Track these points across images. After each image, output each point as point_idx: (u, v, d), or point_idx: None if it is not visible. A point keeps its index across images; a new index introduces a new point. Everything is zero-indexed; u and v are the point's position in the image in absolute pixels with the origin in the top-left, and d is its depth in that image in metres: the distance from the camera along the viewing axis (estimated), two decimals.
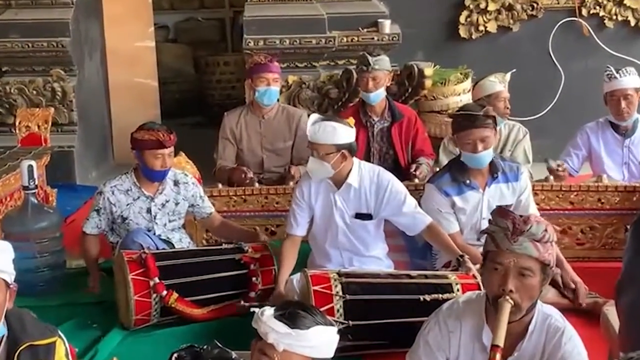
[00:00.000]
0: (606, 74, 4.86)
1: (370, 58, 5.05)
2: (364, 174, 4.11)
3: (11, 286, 2.50)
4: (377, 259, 4.21)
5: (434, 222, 4.09)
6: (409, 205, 4.08)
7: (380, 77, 5.03)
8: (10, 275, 2.50)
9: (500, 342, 2.40)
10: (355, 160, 4.12)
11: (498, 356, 2.38)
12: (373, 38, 6.53)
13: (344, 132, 3.95)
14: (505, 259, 2.46)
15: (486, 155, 4.10)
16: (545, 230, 2.47)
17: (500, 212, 2.54)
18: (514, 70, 5.35)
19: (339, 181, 4.08)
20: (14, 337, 2.48)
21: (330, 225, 4.14)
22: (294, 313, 2.14)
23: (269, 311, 2.13)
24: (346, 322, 3.55)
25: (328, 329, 2.17)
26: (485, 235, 2.58)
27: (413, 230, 4.12)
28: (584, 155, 5.02)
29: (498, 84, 4.95)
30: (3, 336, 2.48)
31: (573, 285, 4.03)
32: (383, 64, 5.08)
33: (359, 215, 4.12)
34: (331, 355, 2.19)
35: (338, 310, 3.57)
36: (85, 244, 4.43)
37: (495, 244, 2.49)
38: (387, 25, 6.56)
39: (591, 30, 6.91)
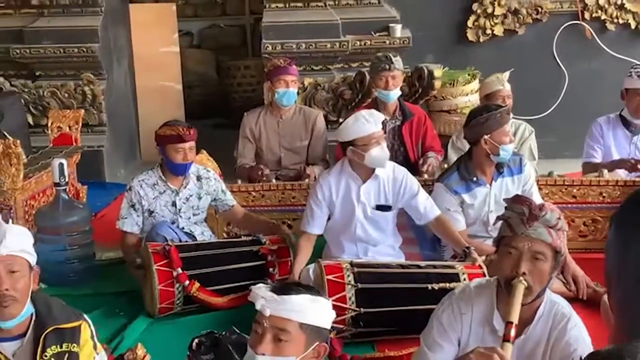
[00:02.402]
0: (634, 70, 4.78)
1: (393, 58, 5.03)
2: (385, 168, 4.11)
3: (34, 268, 2.50)
4: (390, 249, 4.21)
5: (442, 215, 4.10)
6: (421, 196, 4.11)
7: (398, 76, 5.02)
8: (32, 257, 2.50)
9: (515, 319, 2.39)
10: None
11: (513, 331, 2.37)
12: (385, 42, 6.51)
13: None
14: (520, 243, 2.46)
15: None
16: (559, 218, 2.48)
17: (517, 199, 2.55)
18: (513, 69, 5.32)
19: (367, 174, 4.08)
20: (41, 320, 2.49)
21: (349, 219, 4.13)
22: (284, 285, 2.19)
23: (262, 285, 2.16)
24: (358, 309, 3.56)
25: (315, 298, 2.16)
26: (500, 222, 2.57)
27: (424, 218, 4.12)
28: (604, 145, 4.95)
29: (497, 83, 4.93)
30: (31, 320, 2.49)
31: (574, 286, 4.01)
32: (400, 64, 5.09)
33: (380, 207, 4.12)
34: (324, 324, 2.17)
35: (350, 299, 3.56)
36: (126, 241, 4.38)
37: (510, 229, 2.49)
38: (398, 30, 6.54)
39: (593, 33, 6.87)
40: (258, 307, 2.10)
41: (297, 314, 2.10)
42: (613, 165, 4.80)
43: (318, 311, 2.14)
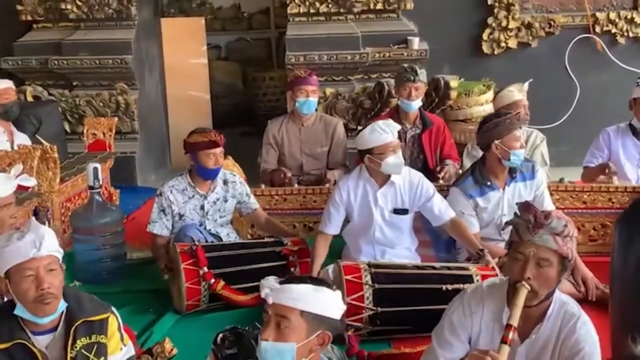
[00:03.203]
0: None
1: (418, 70, 5.03)
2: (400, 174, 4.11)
3: (61, 265, 2.54)
4: (407, 251, 4.20)
5: (457, 217, 4.09)
6: (436, 198, 4.11)
7: (421, 87, 5.02)
8: (61, 256, 2.53)
9: (515, 322, 2.38)
10: None
11: (511, 334, 2.36)
12: (403, 54, 6.51)
13: None
14: (526, 249, 2.45)
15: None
16: (565, 225, 2.46)
17: (524, 207, 2.54)
18: (531, 79, 5.29)
19: (383, 180, 4.08)
20: (72, 314, 2.52)
21: (368, 222, 4.14)
22: (290, 277, 2.22)
23: (272, 277, 2.20)
24: (375, 308, 3.55)
25: (319, 288, 2.18)
26: (510, 227, 2.57)
27: (439, 220, 4.11)
28: (607, 155, 4.92)
29: (517, 93, 4.91)
30: (62, 314, 2.52)
31: (583, 288, 3.98)
32: (424, 76, 5.08)
33: (397, 211, 4.12)
34: (328, 314, 2.17)
35: (367, 298, 3.55)
36: (156, 242, 4.40)
37: (518, 235, 2.49)
38: (415, 42, 6.54)
39: (604, 46, 6.82)
40: (262, 295, 2.15)
41: (297, 302, 2.12)
42: (600, 170, 4.76)
43: (321, 300, 2.15)
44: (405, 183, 4.11)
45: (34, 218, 2.70)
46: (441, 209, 4.09)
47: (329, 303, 2.18)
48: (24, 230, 2.45)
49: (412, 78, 4.97)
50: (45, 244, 2.44)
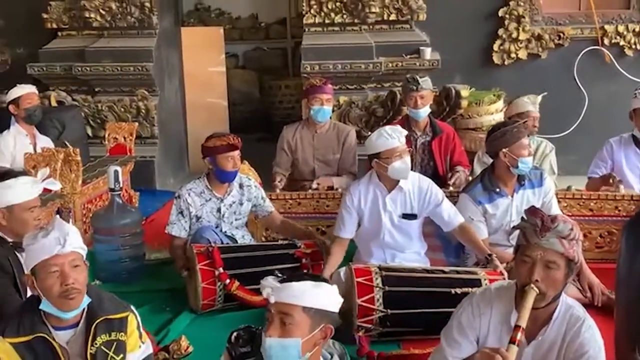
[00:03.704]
0: (639, 92, 4.76)
1: (419, 79, 5.04)
2: (409, 179, 4.12)
3: (85, 262, 2.56)
4: (416, 255, 4.19)
5: (466, 223, 4.08)
6: (445, 204, 4.11)
7: (426, 95, 5.02)
8: (85, 253, 2.56)
9: (523, 323, 2.39)
10: None
11: (519, 335, 2.36)
12: (415, 63, 6.52)
13: None
14: (534, 252, 2.45)
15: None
16: (572, 229, 2.46)
17: (531, 211, 2.54)
18: (545, 93, 5.29)
19: (392, 185, 4.09)
20: (93, 311, 2.54)
21: (377, 226, 4.14)
22: (290, 275, 2.23)
23: (271, 277, 2.21)
24: (385, 310, 3.55)
25: (318, 284, 2.19)
26: (517, 231, 2.57)
27: (449, 225, 4.11)
28: (610, 166, 4.91)
29: (530, 104, 4.93)
30: (83, 311, 2.54)
31: (589, 293, 3.96)
32: (428, 84, 5.08)
33: (406, 216, 4.12)
34: (328, 307, 2.19)
35: (378, 300, 3.55)
36: (174, 244, 4.40)
37: (525, 238, 2.49)
38: (428, 52, 6.55)
39: (612, 58, 6.81)
40: (264, 294, 2.17)
41: (298, 299, 2.14)
42: (604, 181, 4.75)
43: (320, 295, 2.17)
44: (414, 189, 4.11)
45: (58, 216, 2.72)
46: (450, 215, 4.09)
47: (329, 297, 2.20)
48: (48, 228, 2.48)
49: (415, 87, 4.97)
50: (70, 240, 2.46)
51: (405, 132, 4.09)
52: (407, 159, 4.03)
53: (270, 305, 2.16)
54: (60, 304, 2.45)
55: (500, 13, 6.80)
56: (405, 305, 3.58)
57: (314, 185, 4.96)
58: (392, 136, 3.99)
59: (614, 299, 2.90)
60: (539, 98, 5.09)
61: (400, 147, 3.99)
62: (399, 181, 4.08)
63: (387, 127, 4.11)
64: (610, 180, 4.68)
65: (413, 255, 4.18)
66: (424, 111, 5.02)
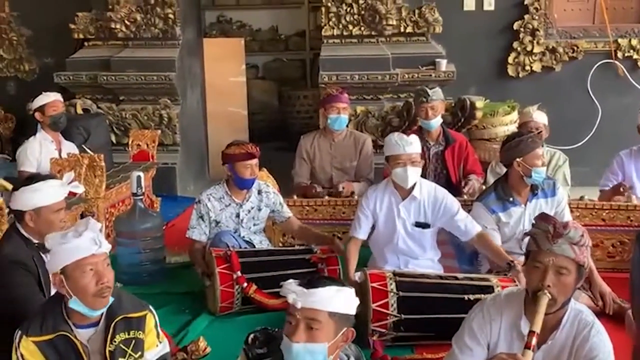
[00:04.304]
0: None
1: (429, 90, 5.04)
2: (424, 189, 4.13)
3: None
4: (430, 262, 4.19)
5: (484, 231, 4.06)
6: (461, 215, 4.09)
7: (437, 106, 5.01)
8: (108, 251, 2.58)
9: (537, 329, 2.38)
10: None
11: (534, 340, 2.36)
12: (431, 75, 6.51)
13: None
14: (545, 258, 2.44)
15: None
16: (582, 235, 2.45)
17: (543, 217, 2.53)
18: (540, 104, 5.28)
19: (405, 193, 4.09)
20: (113, 310, 2.57)
21: (392, 231, 4.15)
22: (310, 279, 2.20)
23: (292, 280, 2.19)
24: (399, 315, 3.54)
25: (340, 288, 2.18)
26: (528, 237, 2.55)
27: (467, 235, 4.09)
28: (621, 178, 4.87)
29: (527, 115, 4.93)
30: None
31: (601, 302, 3.93)
32: (438, 95, 5.07)
33: (419, 224, 4.13)
34: (350, 311, 2.18)
35: (392, 305, 3.55)
36: (194, 247, 4.41)
37: (537, 244, 2.48)
38: (443, 64, 6.54)
39: (626, 71, 6.75)
40: (290, 300, 2.13)
41: (325, 304, 2.13)
42: (615, 191, 4.71)
43: (344, 300, 2.17)
44: (429, 198, 4.11)
45: (90, 217, 2.74)
46: (467, 225, 4.07)
47: (350, 301, 2.20)
48: (78, 229, 2.49)
49: (425, 99, 4.98)
50: (104, 241, 2.50)
51: (413, 141, 4.08)
52: (412, 168, 4.02)
53: (296, 310, 2.12)
54: (93, 302, 2.48)
55: (515, 26, 6.77)
56: (418, 310, 3.57)
57: (340, 188, 4.99)
58: (398, 144, 4.04)
59: (630, 308, 2.85)
60: (534, 107, 5.07)
61: (403, 156, 4.02)
62: (412, 190, 4.08)
63: (397, 134, 4.16)
64: (621, 189, 4.64)
65: (426, 262, 4.17)
66: (436, 122, 5.01)
